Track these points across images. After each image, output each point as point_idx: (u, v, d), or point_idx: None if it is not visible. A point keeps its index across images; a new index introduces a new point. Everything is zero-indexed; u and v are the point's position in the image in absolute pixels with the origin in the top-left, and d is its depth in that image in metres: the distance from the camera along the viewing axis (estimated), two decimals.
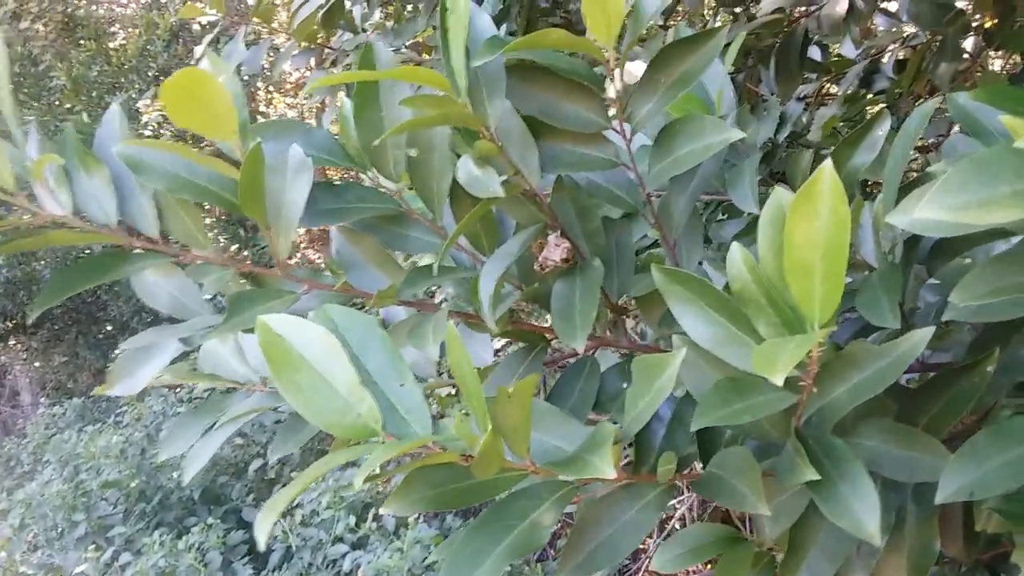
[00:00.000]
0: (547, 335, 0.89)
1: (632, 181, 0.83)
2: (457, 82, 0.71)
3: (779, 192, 0.59)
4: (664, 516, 3.48)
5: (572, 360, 0.89)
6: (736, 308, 0.64)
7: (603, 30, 0.72)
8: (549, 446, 0.68)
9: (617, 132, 0.79)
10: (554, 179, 0.83)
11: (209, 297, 0.82)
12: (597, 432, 0.60)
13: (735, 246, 0.62)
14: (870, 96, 2.18)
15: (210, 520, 3.91)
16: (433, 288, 0.92)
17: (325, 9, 2.36)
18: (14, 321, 7.61)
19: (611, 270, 0.85)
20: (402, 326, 0.85)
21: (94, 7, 8.15)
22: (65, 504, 4.57)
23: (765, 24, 1.69)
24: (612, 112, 0.80)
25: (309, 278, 0.82)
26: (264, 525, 0.52)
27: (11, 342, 8.27)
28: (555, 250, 0.80)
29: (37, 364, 8.49)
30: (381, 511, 0.62)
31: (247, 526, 4.12)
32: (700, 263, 0.91)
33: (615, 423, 0.71)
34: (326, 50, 2.64)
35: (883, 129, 0.79)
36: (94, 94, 7.16)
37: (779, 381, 0.51)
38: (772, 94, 1.93)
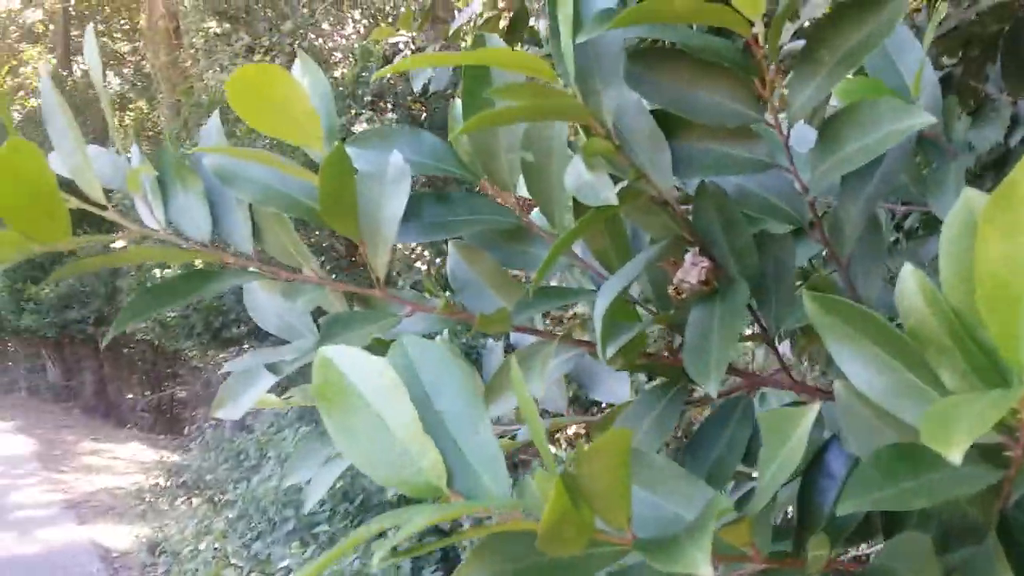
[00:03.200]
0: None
1: (793, 186, 0.68)
2: (565, 67, 0.59)
3: (968, 194, 0.43)
4: None
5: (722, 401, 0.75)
6: (913, 349, 0.48)
7: None
8: (667, 514, 0.55)
9: (771, 126, 0.65)
10: (696, 185, 0.70)
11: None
12: (706, 506, 0.47)
13: (907, 268, 0.46)
14: None
15: None
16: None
17: (508, 21, 2.34)
18: (247, 327, 8.31)
19: (767, 295, 0.70)
20: (516, 357, 0.74)
21: (320, 40, 8.73)
22: (278, 500, 4.86)
23: (991, 8, 1.43)
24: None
25: (414, 300, 0.73)
26: None
27: (244, 345, 9.03)
28: (692, 270, 0.66)
29: None
30: None
31: (440, 533, 4.18)
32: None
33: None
34: None
35: None
36: None
37: (955, 459, 0.35)
38: (1002, 92, 1.64)
